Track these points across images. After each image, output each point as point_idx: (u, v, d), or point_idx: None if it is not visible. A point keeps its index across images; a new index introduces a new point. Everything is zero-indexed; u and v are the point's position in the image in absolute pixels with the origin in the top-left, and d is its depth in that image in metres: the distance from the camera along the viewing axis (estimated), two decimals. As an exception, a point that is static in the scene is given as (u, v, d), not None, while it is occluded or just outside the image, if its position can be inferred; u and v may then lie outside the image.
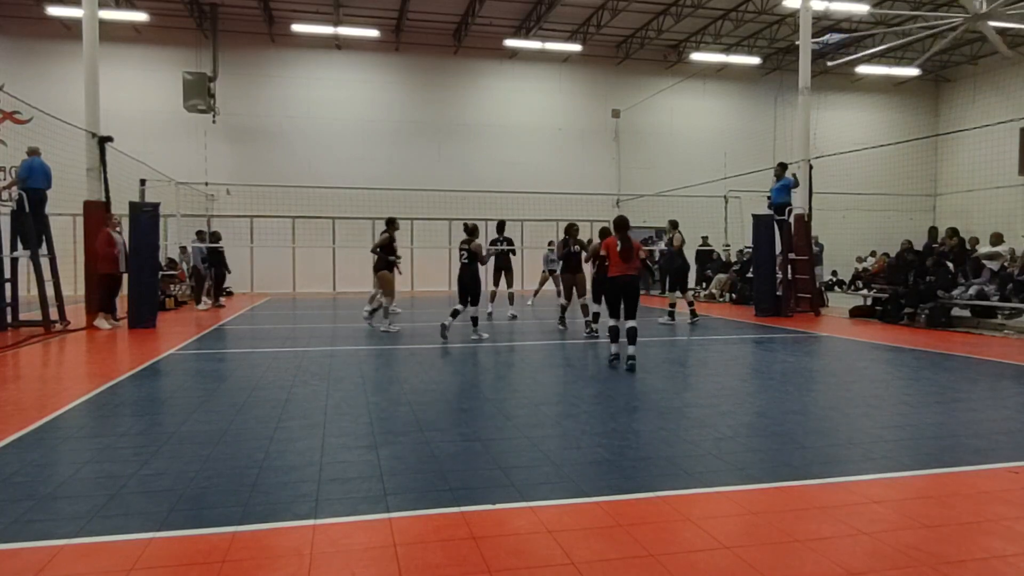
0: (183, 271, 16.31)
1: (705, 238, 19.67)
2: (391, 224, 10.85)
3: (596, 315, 9.81)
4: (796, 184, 12.88)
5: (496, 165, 21.92)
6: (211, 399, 5.52)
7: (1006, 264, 10.77)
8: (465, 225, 10.00)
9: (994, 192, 20.53)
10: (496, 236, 12.57)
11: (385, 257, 10.57)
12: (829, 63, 19.73)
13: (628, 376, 6.63)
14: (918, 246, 12.96)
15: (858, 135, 22.64)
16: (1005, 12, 13.22)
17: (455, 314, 9.50)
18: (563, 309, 10.77)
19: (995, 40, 14.23)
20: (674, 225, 12.37)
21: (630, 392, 5.82)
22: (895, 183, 22.71)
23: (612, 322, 7.34)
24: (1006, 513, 3.10)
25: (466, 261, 9.56)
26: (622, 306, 7.27)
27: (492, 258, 12.57)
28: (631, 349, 7.00)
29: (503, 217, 13.11)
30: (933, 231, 13.29)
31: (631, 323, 7.13)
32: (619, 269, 7.25)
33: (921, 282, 11.16)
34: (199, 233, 15.30)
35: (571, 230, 10.43)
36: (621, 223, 7.38)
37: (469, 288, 9.48)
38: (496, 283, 13.18)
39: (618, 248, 7.16)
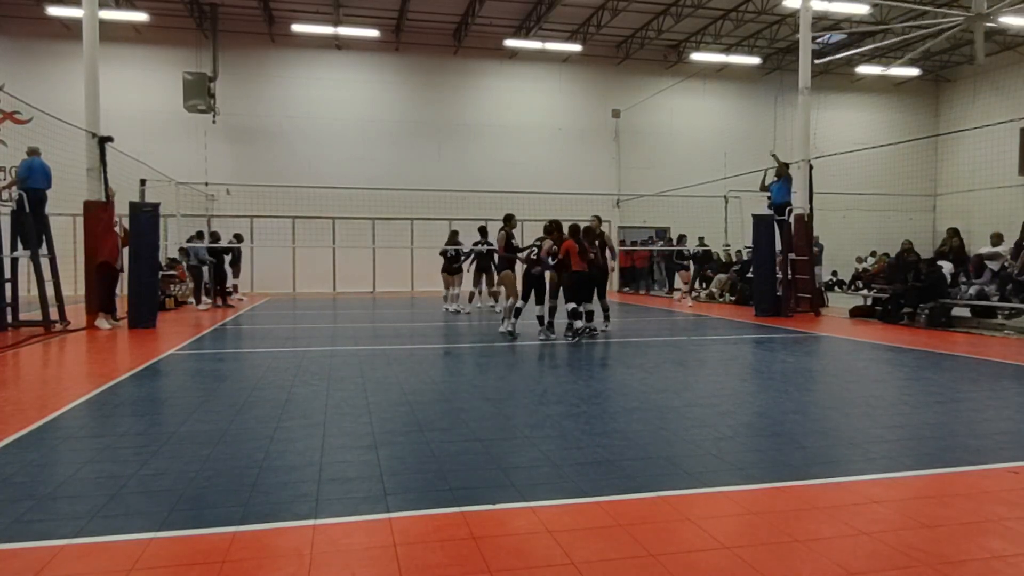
0: (183, 271, 16.32)
1: (683, 237, 19.68)
2: (509, 220, 10.44)
3: (590, 314, 9.77)
4: (781, 174, 12.90)
5: (496, 165, 21.92)
6: (211, 399, 5.52)
7: (1007, 264, 10.77)
8: (547, 224, 10.14)
9: (994, 192, 20.54)
10: (479, 239, 13.54)
11: (509, 256, 10.25)
12: (818, 61, 19.62)
13: (628, 376, 6.64)
14: (919, 246, 12.96)
15: (858, 135, 22.65)
16: (1006, 12, 13.22)
17: (517, 313, 9.59)
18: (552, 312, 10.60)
19: (979, 45, 14.26)
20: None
21: (630, 392, 5.83)
22: (895, 183, 22.73)
23: (577, 307, 9.18)
24: (1006, 513, 3.10)
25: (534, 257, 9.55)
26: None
27: (474, 259, 13.60)
28: (578, 324, 9.13)
29: (495, 217, 13.24)
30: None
31: (587, 306, 9.40)
32: (579, 267, 9.11)
33: (918, 284, 11.13)
34: (199, 233, 15.37)
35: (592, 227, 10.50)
36: (575, 229, 9.33)
37: (535, 286, 9.51)
38: (476, 283, 13.94)
39: (578, 250, 9.01)
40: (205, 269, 15.07)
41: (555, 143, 22.81)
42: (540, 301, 9.57)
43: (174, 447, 4.11)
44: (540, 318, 9.59)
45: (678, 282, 19.90)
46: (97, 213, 10.77)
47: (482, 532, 2.87)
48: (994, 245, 11.27)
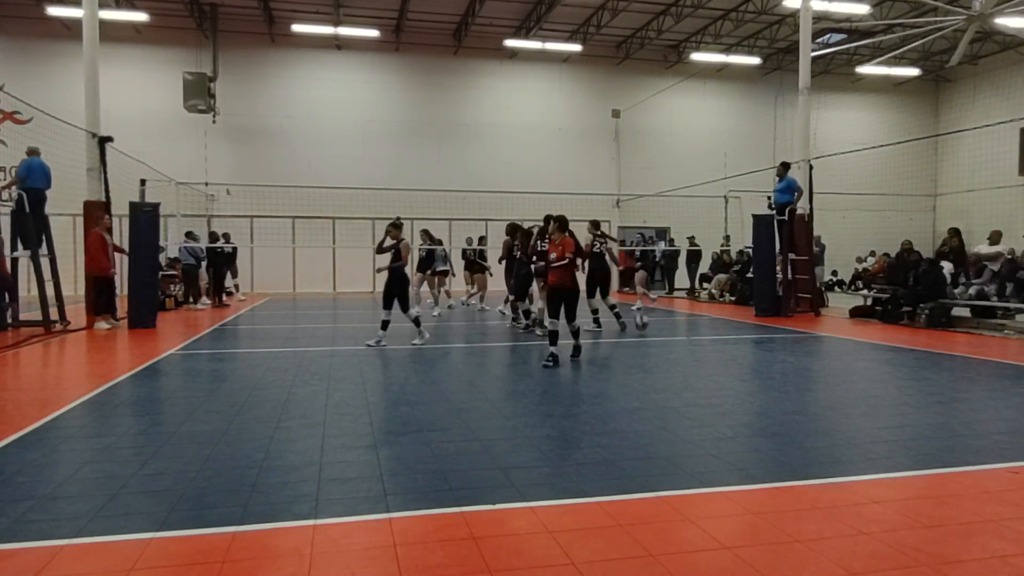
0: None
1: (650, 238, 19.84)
2: (550, 222, 10.30)
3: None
4: (800, 193, 12.82)
5: (496, 165, 21.91)
6: (211, 399, 5.52)
7: (1007, 255, 10.80)
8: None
9: (994, 192, 20.54)
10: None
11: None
12: (817, 54, 19.54)
13: (628, 376, 6.64)
14: (918, 246, 12.96)
15: (858, 135, 22.64)
16: (1004, 11, 13.24)
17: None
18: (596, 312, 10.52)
19: (962, 46, 14.29)
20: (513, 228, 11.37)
21: (630, 392, 5.82)
22: (895, 183, 22.71)
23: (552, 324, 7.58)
24: (1006, 513, 3.10)
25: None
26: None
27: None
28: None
29: (508, 218, 13.18)
30: None
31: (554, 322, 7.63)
32: (554, 277, 7.69)
33: (918, 287, 11.13)
34: (188, 233, 15.38)
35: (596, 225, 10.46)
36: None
37: (398, 288, 8.77)
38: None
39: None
40: (203, 269, 15.09)
41: (555, 143, 22.80)
42: (404, 307, 8.74)
43: (174, 447, 4.11)
44: (416, 319, 8.91)
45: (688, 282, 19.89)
46: (95, 218, 10.76)
47: (482, 532, 2.87)
48: (993, 243, 11.26)
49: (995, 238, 11.28)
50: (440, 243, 15.00)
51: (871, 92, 25.48)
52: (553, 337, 7.35)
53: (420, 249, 13.99)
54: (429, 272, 14.29)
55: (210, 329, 10.85)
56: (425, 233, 14.12)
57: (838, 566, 2.57)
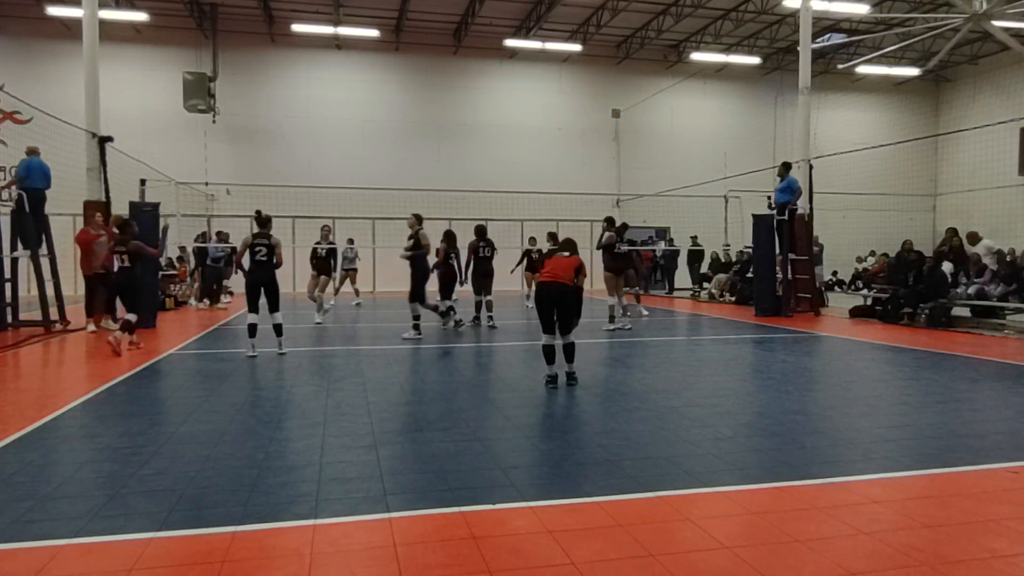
0: (184, 270, 16.33)
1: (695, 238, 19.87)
2: (612, 223, 10.58)
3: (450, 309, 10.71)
4: (799, 193, 12.83)
5: (496, 165, 21.91)
6: (211, 399, 5.52)
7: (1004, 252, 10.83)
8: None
9: (994, 192, 20.54)
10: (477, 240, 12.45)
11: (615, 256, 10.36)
12: (819, 57, 19.63)
13: (628, 376, 6.63)
14: (918, 246, 12.97)
15: (858, 135, 22.64)
16: (1004, 11, 13.24)
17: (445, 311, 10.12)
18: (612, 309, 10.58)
19: (947, 48, 14.38)
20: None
21: (630, 392, 5.82)
22: (895, 183, 22.72)
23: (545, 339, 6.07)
24: (1006, 513, 3.10)
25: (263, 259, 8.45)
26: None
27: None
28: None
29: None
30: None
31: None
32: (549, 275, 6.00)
33: (919, 285, 11.13)
34: (217, 233, 15.51)
35: (620, 228, 10.64)
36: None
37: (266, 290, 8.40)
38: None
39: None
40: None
41: (555, 143, 22.79)
42: (253, 309, 8.18)
43: (174, 447, 4.11)
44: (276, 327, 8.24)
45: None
46: (87, 217, 10.75)
47: (482, 532, 2.87)
48: (972, 244, 11.31)
49: (972, 239, 11.33)
50: (352, 241, 15.96)
51: (871, 92, 25.48)
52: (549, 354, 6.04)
53: (318, 247, 13.93)
54: (344, 270, 15.24)
55: (210, 329, 10.85)
56: (325, 229, 14.20)
57: (838, 566, 2.57)
